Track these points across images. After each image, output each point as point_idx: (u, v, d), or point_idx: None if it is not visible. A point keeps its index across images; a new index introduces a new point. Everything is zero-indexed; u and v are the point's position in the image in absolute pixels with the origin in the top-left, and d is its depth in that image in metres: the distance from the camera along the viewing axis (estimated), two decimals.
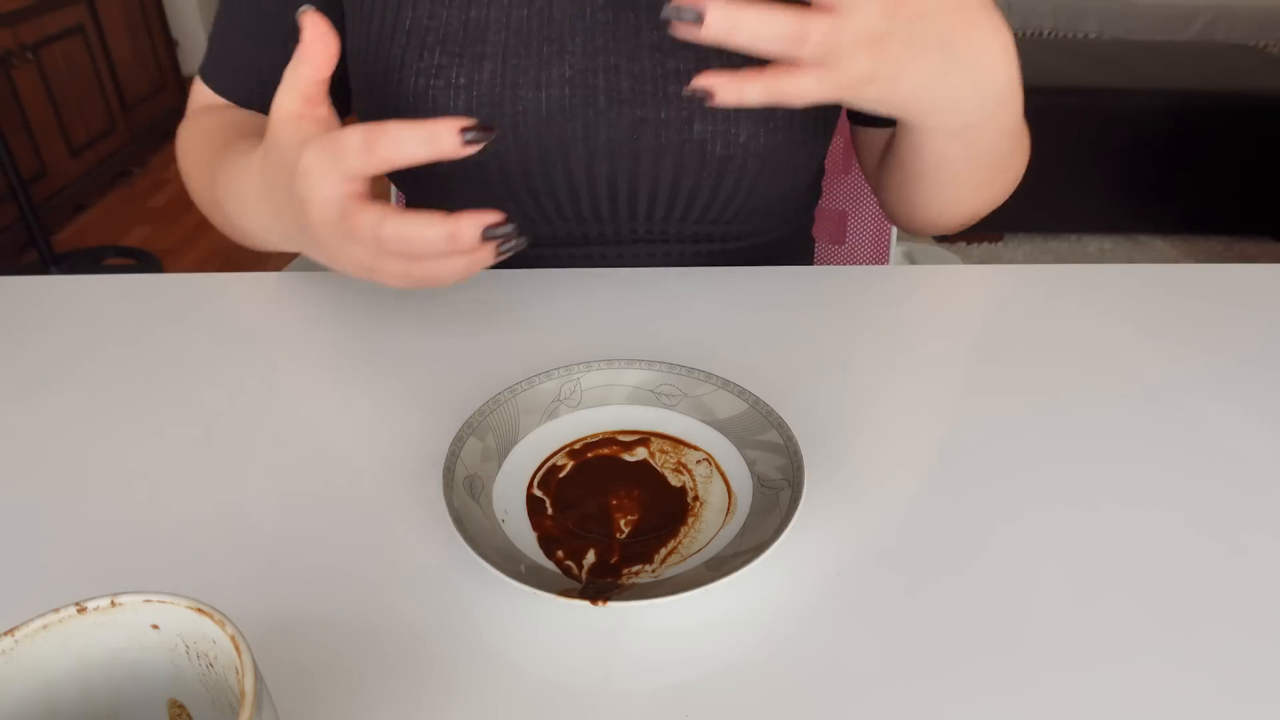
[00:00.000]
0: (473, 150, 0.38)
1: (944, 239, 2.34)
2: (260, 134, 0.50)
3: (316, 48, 0.40)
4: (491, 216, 0.38)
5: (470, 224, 0.38)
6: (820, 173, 0.67)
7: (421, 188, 0.60)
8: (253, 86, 0.62)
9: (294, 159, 0.41)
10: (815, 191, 0.69)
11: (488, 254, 0.40)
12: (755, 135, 0.55)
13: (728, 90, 0.39)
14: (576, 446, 0.41)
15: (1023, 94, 0.48)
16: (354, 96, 0.60)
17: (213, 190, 0.55)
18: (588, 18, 0.54)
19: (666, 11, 0.37)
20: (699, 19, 0.36)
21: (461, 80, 0.53)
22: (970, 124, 0.47)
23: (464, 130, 0.37)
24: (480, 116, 0.53)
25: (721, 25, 0.37)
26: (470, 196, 0.58)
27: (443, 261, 0.40)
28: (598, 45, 0.54)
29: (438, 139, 0.37)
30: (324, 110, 0.42)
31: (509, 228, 0.39)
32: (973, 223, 0.60)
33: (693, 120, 0.54)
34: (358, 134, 0.38)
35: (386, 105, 0.56)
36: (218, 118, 0.61)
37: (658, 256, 0.62)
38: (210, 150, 0.56)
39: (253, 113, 0.63)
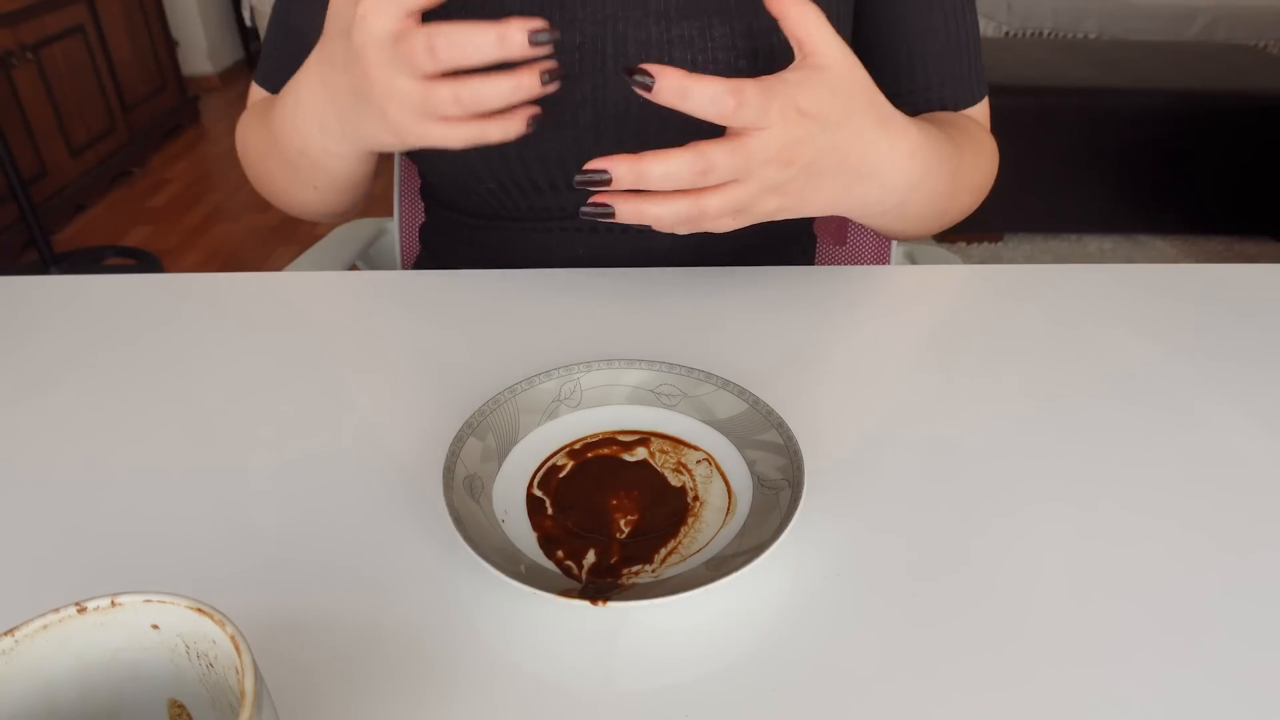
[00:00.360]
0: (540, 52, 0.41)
1: (943, 239, 2.34)
2: None
3: None
4: (536, 21, 0.41)
5: (517, 26, 0.40)
6: None
7: (434, 156, 0.60)
8: None
9: (351, 19, 0.44)
10: None
11: (532, 78, 0.42)
12: None
13: (654, 222, 0.44)
14: (576, 446, 0.41)
15: (929, 175, 0.52)
16: None
17: (269, 130, 0.58)
18: None
19: (577, 180, 0.41)
20: (608, 180, 0.41)
21: None
22: (888, 209, 0.52)
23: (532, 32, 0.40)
24: None
25: (628, 181, 0.41)
26: (484, 163, 0.59)
27: (492, 82, 0.42)
28: (606, 13, 0.56)
29: (507, 40, 0.40)
30: None
31: (553, 34, 0.41)
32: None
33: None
34: None
35: None
36: (271, 99, 0.64)
37: (659, 234, 0.63)
38: (264, 114, 0.60)
39: None
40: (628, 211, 0.43)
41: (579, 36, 0.56)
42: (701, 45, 0.55)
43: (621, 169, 0.41)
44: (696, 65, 0.55)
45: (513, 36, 0.40)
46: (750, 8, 0.55)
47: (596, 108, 0.56)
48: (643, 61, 0.56)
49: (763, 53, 0.55)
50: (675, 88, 0.40)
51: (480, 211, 0.63)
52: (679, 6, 0.55)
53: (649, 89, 0.40)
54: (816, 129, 0.43)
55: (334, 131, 0.51)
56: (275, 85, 0.66)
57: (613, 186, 0.41)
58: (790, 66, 0.43)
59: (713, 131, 0.56)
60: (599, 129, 0.57)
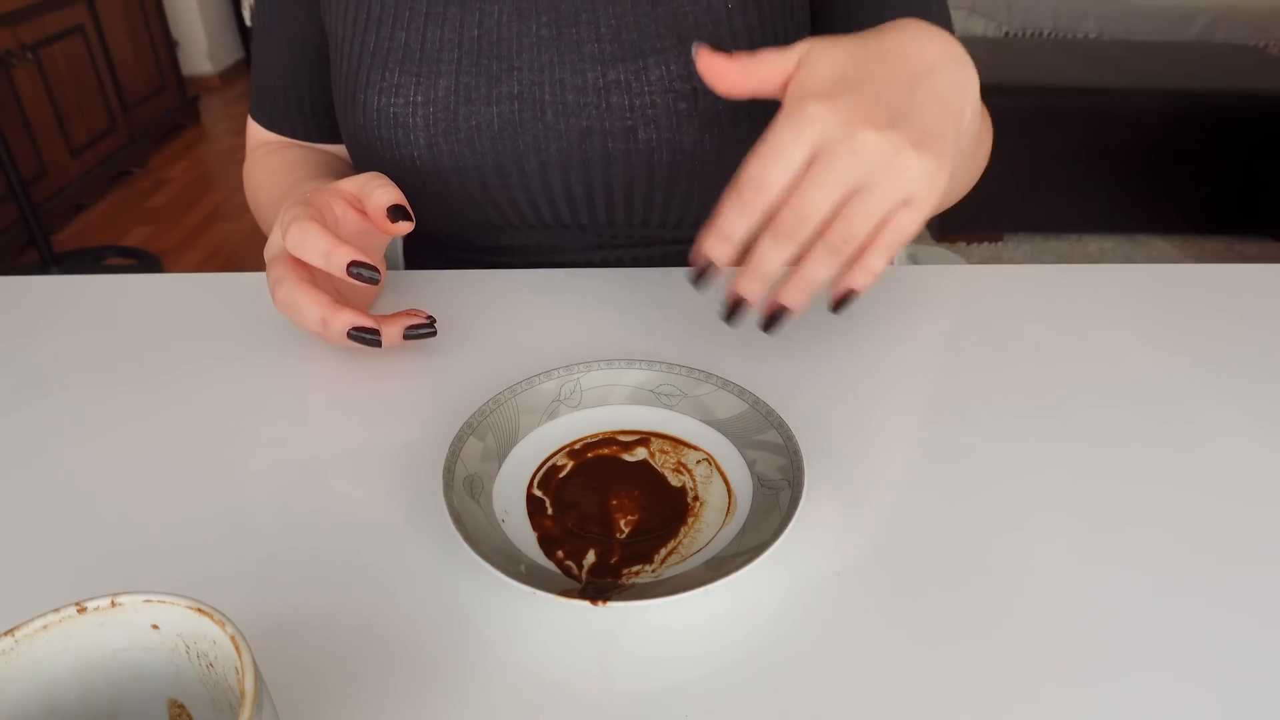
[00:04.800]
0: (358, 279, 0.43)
1: (943, 239, 2.34)
2: (315, 171, 0.63)
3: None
4: (365, 320, 0.44)
5: (342, 320, 0.44)
6: None
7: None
8: (294, 118, 0.67)
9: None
10: None
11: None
12: (700, 141, 0.56)
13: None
14: (576, 446, 0.41)
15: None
16: (336, 113, 0.62)
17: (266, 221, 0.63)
18: (533, 34, 0.55)
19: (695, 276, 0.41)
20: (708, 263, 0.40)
21: (419, 98, 0.56)
22: (965, 136, 0.50)
23: (352, 264, 0.42)
24: (437, 131, 0.56)
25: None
26: (439, 207, 0.59)
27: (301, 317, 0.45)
28: (543, 60, 0.56)
29: (330, 258, 0.42)
30: None
31: (374, 334, 0.44)
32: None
33: (636, 128, 0.55)
34: (296, 212, 0.44)
35: (357, 122, 0.58)
36: (280, 159, 0.66)
37: (641, 260, 0.63)
38: (274, 194, 0.62)
39: (306, 148, 0.68)
40: (795, 299, 0.40)
41: (517, 85, 0.55)
42: (639, 89, 0.55)
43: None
44: (634, 109, 0.55)
45: (335, 327, 0.44)
46: (687, 48, 0.55)
47: (540, 155, 0.56)
48: (581, 107, 0.55)
49: (702, 92, 0.55)
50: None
51: (452, 243, 0.64)
52: (614, 51, 0.55)
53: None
54: (846, 86, 0.37)
55: None
56: (269, 118, 0.68)
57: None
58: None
59: (676, 170, 0.56)
60: (545, 175, 0.57)
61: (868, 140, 0.36)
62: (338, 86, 0.60)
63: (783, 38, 0.57)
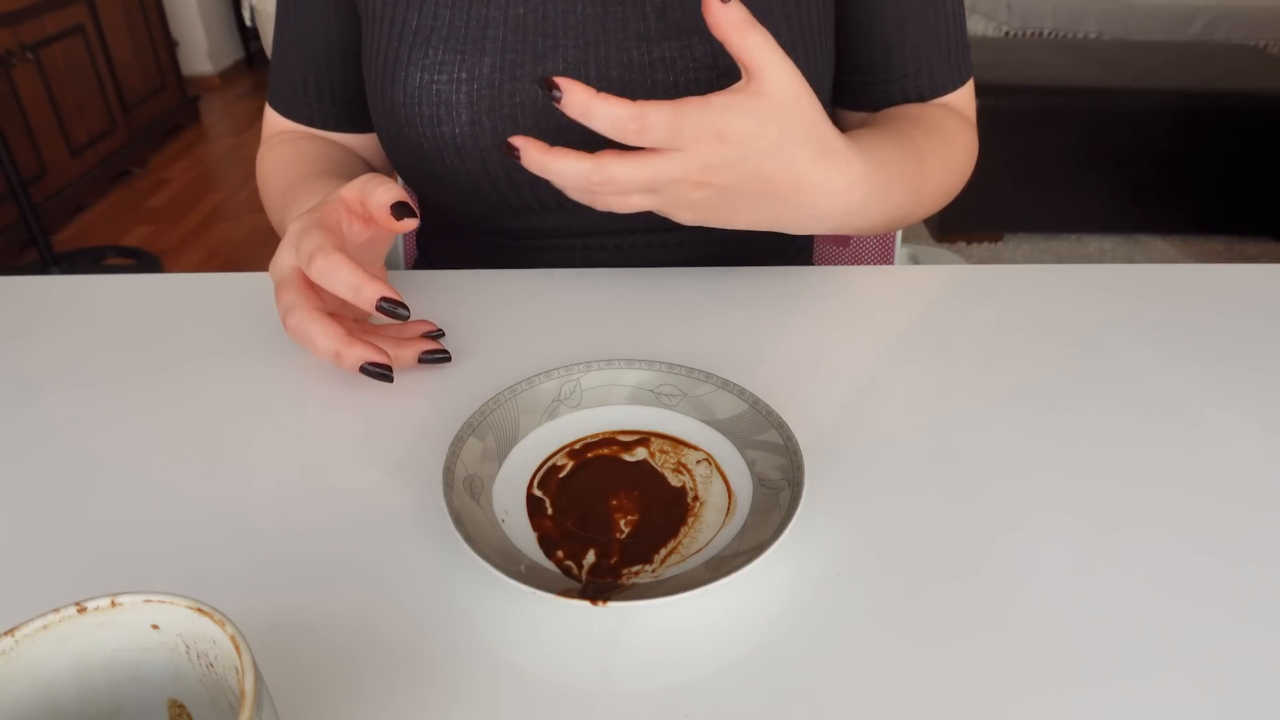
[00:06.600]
0: (381, 317, 0.45)
1: (943, 239, 2.34)
2: (325, 166, 0.62)
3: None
4: (378, 356, 0.43)
5: (355, 355, 0.43)
6: None
7: (427, 178, 0.60)
8: (312, 105, 0.67)
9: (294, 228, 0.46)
10: None
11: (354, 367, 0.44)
12: None
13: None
14: (576, 446, 0.42)
15: (873, 206, 0.51)
16: (367, 94, 0.62)
17: (274, 217, 0.62)
18: (578, 11, 0.56)
19: (540, 77, 0.41)
20: (558, 98, 0.40)
21: (463, 75, 0.56)
22: (826, 230, 0.51)
23: (382, 300, 0.42)
24: (481, 108, 0.56)
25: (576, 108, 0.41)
26: (472, 186, 0.59)
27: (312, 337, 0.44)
28: (588, 38, 0.56)
29: (360, 293, 0.42)
30: None
31: (386, 370, 0.44)
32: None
33: None
34: (317, 239, 0.43)
35: (396, 99, 0.58)
36: (291, 150, 0.65)
37: (655, 247, 0.63)
38: (283, 185, 0.61)
39: (321, 139, 0.68)
40: (532, 160, 0.42)
41: (562, 63, 0.56)
42: (683, 66, 0.55)
43: (573, 98, 0.40)
44: (679, 86, 0.55)
45: (347, 360, 0.43)
46: None
47: (583, 131, 0.56)
48: (626, 84, 0.56)
49: None
50: (579, 104, 0.40)
51: (477, 227, 0.64)
52: (659, 28, 0.55)
53: (558, 101, 0.40)
54: (737, 156, 0.42)
55: None
56: (287, 105, 0.67)
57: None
58: (728, 89, 0.43)
59: None
60: (589, 151, 0.57)
61: (679, 191, 0.43)
62: (372, 66, 0.59)
63: (816, 24, 0.58)
